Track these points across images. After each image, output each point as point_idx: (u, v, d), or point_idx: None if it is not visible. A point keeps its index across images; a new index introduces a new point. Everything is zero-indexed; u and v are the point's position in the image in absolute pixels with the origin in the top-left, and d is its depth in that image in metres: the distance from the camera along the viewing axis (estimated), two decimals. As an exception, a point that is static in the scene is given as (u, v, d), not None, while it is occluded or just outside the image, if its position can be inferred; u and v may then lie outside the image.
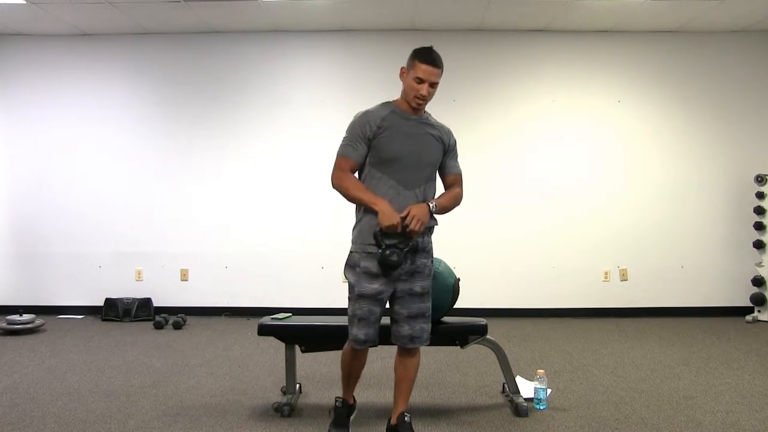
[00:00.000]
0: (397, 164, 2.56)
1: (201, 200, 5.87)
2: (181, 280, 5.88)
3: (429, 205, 2.55)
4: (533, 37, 5.83)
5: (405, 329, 2.60)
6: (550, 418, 3.02)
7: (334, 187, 2.61)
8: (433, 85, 2.55)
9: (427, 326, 2.65)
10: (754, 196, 5.64)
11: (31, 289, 5.89)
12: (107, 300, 5.73)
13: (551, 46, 5.82)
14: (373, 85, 5.74)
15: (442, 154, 2.69)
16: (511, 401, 3.18)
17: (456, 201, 2.73)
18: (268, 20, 5.56)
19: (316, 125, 5.81)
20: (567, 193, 5.81)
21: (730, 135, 5.80)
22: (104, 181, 5.89)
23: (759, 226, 5.60)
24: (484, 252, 5.76)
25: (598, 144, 5.84)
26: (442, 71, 2.57)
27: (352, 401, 2.86)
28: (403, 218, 2.47)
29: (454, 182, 2.76)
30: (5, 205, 5.96)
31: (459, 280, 3.15)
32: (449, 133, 2.74)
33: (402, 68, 2.61)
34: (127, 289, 5.81)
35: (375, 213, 2.49)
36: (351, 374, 2.78)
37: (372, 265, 2.55)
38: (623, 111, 5.83)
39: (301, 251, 5.82)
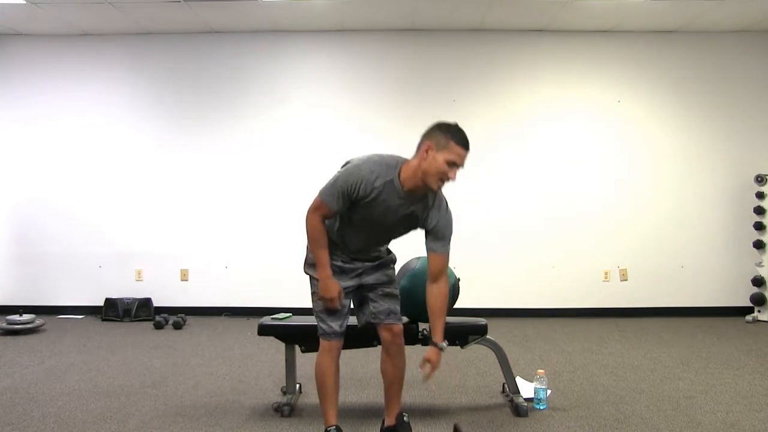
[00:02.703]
0: (367, 227, 2.56)
1: (201, 200, 5.87)
2: (181, 280, 5.89)
3: (440, 348, 2.54)
4: (533, 37, 5.83)
5: (382, 306, 2.67)
6: (550, 418, 3.02)
7: (306, 223, 2.58)
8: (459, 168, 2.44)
9: (399, 307, 2.73)
10: (754, 196, 5.64)
11: (31, 289, 5.89)
12: (107, 300, 5.73)
13: (551, 46, 5.82)
14: (373, 85, 5.76)
15: (417, 228, 2.59)
16: (511, 401, 3.18)
17: (446, 310, 2.61)
18: (269, 20, 5.56)
19: (316, 125, 5.81)
20: (567, 193, 5.80)
21: (730, 135, 5.80)
22: (104, 180, 5.89)
23: (759, 226, 5.60)
24: (484, 252, 5.76)
25: (598, 144, 5.84)
26: None
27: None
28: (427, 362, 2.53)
29: (438, 266, 2.53)
30: (5, 205, 5.95)
31: (459, 280, 3.15)
32: (437, 217, 2.52)
33: (427, 142, 2.39)
34: (127, 289, 5.81)
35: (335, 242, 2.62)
36: (329, 387, 2.63)
37: (335, 263, 2.63)
38: (623, 111, 5.82)
39: (302, 251, 5.79)
